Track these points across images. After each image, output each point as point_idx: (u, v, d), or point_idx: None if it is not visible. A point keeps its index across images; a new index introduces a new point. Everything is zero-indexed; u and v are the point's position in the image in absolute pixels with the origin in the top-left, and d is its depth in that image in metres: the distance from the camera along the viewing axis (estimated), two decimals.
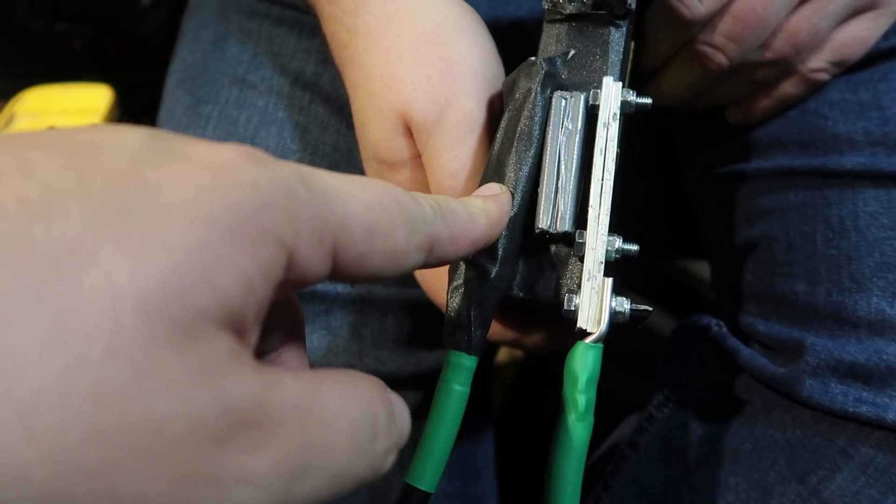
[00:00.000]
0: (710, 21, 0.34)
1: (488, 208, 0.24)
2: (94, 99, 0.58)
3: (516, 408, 0.77)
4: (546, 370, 0.74)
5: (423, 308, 0.40)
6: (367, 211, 0.18)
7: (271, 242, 0.15)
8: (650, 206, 0.57)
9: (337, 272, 0.18)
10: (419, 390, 0.42)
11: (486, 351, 0.26)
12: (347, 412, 0.16)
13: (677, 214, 0.56)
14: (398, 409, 0.19)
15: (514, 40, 0.34)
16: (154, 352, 0.13)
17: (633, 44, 0.33)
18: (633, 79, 0.36)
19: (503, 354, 0.83)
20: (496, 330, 0.32)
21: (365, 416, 0.17)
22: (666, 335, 0.46)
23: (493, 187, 0.27)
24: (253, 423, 0.14)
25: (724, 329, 0.39)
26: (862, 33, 0.35)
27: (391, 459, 0.18)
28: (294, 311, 0.22)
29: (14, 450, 0.12)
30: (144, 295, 0.13)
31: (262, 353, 0.21)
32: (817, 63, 0.36)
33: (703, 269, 0.70)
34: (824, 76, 0.36)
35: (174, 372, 0.13)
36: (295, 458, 0.15)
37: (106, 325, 0.13)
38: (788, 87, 0.37)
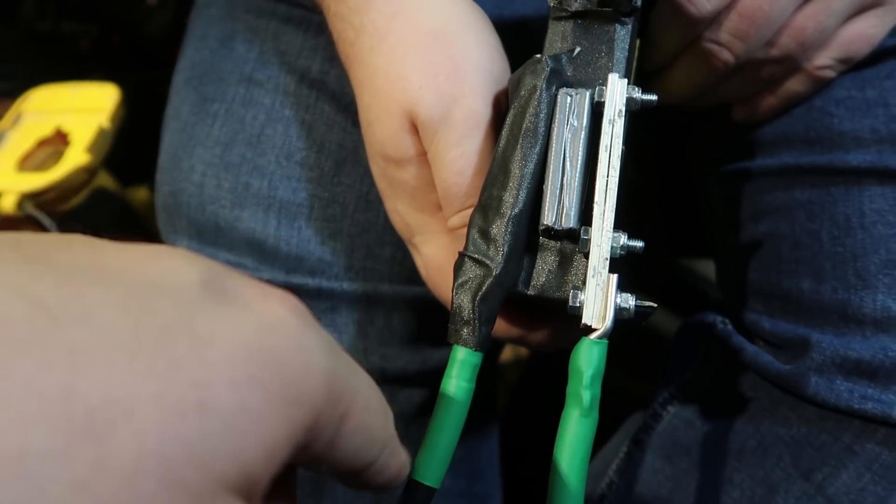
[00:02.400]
0: (716, 18, 0.34)
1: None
2: (100, 98, 0.58)
3: (521, 406, 0.77)
4: (550, 369, 0.74)
5: (428, 306, 0.40)
6: (369, 388, 0.18)
7: (305, 407, 0.15)
8: (655, 205, 0.57)
9: (305, 453, 0.17)
10: (425, 388, 0.43)
11: (491, 348, 0.27)
12: None
13: (682, 213, 0.56)
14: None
15: (519, 38, 0.34)
16: None
17: (638, 42, 0.33)
18: (639, 77, 0.36)
19: (507, 353, 0.83)
20: (501, 327, 0.32)
21: None
22: (671, 335, 0.46)
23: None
24: None
25: (730, 326, 0.39)
26: (868, 30, 0.35)
27: None
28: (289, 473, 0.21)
29: None
30: (169, 460, 0.13)
31: None
32: (823, 60, 0.36)
33: (707, 268, 0.70)
34: (830, 73, 0.36)
35: None
36: None
37: (125, 491, 0.13)
38: (794, 85, 0.37)
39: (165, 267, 0.15)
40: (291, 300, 0.16)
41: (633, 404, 0.52)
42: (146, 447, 0.13)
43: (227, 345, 0.14)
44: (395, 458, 0.21)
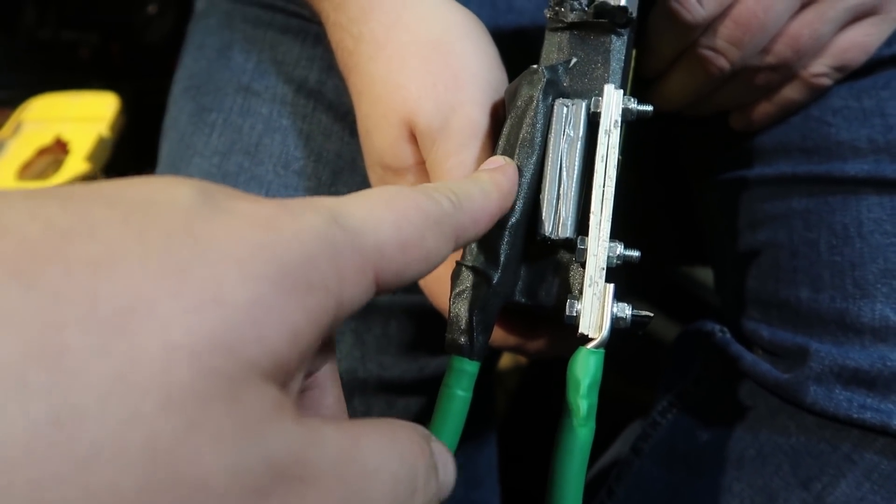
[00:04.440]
0: (712, 25, 0.34)
1: (497, 180, 0.25)
2: (100, 106, 0.59)
3: (519, 414, 0.77)
4: (549, 377, 0.74)
5: (425, 314, 0.40)
6: (397, 230, 0.19)
7: (319, 292, 0.16)
8: (654, 213, 0.57)
9: (378, 292, 0.19)
10: (422, 396, 0.42)
11: (489, 357, 0.27)
12: (387, 466, 0.17)
13: (681, 221, 0.56)
14: (441, 460, 0.19)
15: (517, 47, 0.34)
16: (204, 405, 0.14)
17: (634, 51, 0.33)
18: (637, 84, 0.36)
19: (506, 361, 0.83)
20: (499, 335, 0.32)
21: (405, 471, 0.17)
22: (670, 342, 0.46)
23: (497, 160, 0.27)
24: (294, 478, 0.15)
25: (728, 335, 0.39)
26: (863, 38, 0.35)
27: None
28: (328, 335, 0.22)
29: (70, 502, 0.12)
30: (197, 349, 0.14)
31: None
32: (819, 68, 0.36)
33: (707, 275, 0.70)
34: (826, 81, 0.36)
35: (222, 425, 0.14)
36: None
37: (160, 379, 0.13)
38: (791, 92, 0.37)
39: (158, 186, 0.16)
40: (280, 200, 0.17)
41: (634, 412, 0.52)
42: (173, 339, 0.14)
43: (227, 245, 0.15)
44: (468, 212, 0.22)
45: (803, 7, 0.34)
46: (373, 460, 0.16)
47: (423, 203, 0.20)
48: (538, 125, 0.28)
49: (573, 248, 0.28)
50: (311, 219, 0.17)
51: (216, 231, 0.15)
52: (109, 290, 0.13)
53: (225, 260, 0.15)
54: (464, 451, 0.47)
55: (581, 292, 0.27)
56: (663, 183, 0.54)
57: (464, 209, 0.22)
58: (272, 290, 0.15)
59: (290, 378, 0.16)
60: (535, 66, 0.29)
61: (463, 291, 0.27)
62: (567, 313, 0.27)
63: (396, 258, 0.18)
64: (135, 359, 0.13)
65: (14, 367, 0.12)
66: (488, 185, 0.24)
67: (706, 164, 0.43)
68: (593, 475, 0.45)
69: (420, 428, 0.19)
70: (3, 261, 0.13)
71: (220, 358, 0.14)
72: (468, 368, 0.26)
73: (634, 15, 0.29)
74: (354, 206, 0.18)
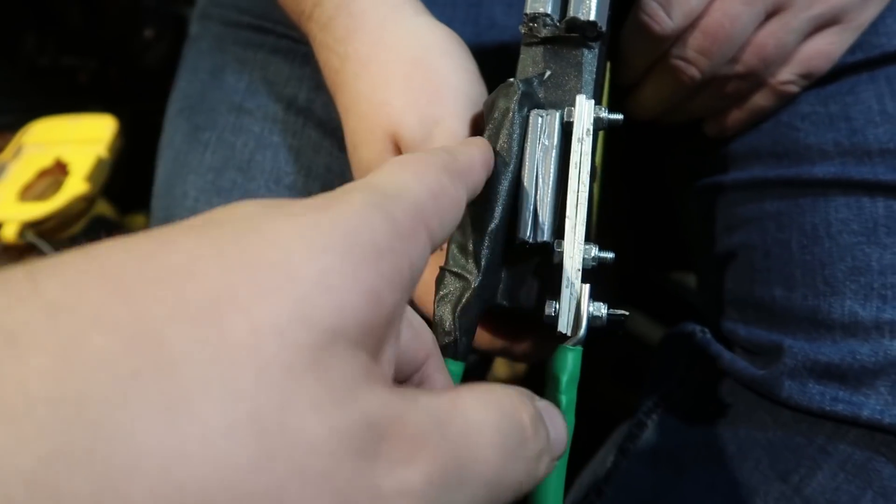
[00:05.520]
0: (681, 37, 0.35)
1: (469, 140, 0.27)
2: (98, 129, 0.60)
3: None
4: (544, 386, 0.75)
5: None
6: (423, 184, 0.20)
7: (388, 255, 0.17)
8: (640, 220, 0.58)
9: (432, 247, 0.19)
10: None
11: (483, 364, 0.28)
12: (490, 420, 0.17)
13: (666, 227, 0.57)
14: (548, 415, 0.19)
15: (499, 62, 0.36)
16: (296, 376, 0.14)
17: (608, 63, 0.34)
18: (615, 93, 0.38)
19: (504, 371, 0.84)
20: (485, 339, 0.33)
21: (508, 422, 0.17)
22: None
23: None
24: (396, 437, 0.15)
25: (708, 335, 0.41)
26: (827, 47, 0.37)
27: (546, 462, 0.18)
28: (422, 330, 0.23)
29: (197, 476, 0.13)
30: (279, 326, 0.14)
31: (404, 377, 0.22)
32: (786, 76, 0.37)
33: (694, 280, 0.72)
34: (793, 88, 0.38)
35: (316, 392, 0.14)
36: (446, 468, 0.15)
37: (252, 358, 0.14)
38: (760, 100, 0.38)
39: (226, 209, 0.17)
40: (324, 194, 0.18)
41: (626, 413, 0.53)
42: (256, 320, 0.14)
43: (291, 231, 0.16)
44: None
45: (768, 18, 0.36)
46: (474, 417, 0.16)
47: (427, 158, 0.21)
48: (514, 135, 0.29)
49: (551, 252, 0.29)
50: (357, 195, 0.18)
51: (279, 224, 0.16)
52: (195, 289, 0.14)
53: (291, 243, 0.16)
54: None
55: (559, 293, 0.28)
56: (647, 190, 0.55)
57: (457, 157, 0.23)
58: (340, 259, 0.16)
59: (381, 345, 0.16)
60: (511, 79, 0.31)
61: (446, 295, 0.28)
62: (546, 313, 0.28)
63: (434, 208, 0.19)
64: (226, 342, 0.14)
65: (124, 362, 0.13)
66: (465, 142, 0.27)
67: (684, 170, 0.45)
68: (585, 476, 0.46)
69: (521, 388, 0.19)
70: (104, 280, 0.14)
71: (302, 330, 0.14)
72: (453, 369, 0.27)
73: (605, 29, 0.31)
74: (381, 177, 0.19)
